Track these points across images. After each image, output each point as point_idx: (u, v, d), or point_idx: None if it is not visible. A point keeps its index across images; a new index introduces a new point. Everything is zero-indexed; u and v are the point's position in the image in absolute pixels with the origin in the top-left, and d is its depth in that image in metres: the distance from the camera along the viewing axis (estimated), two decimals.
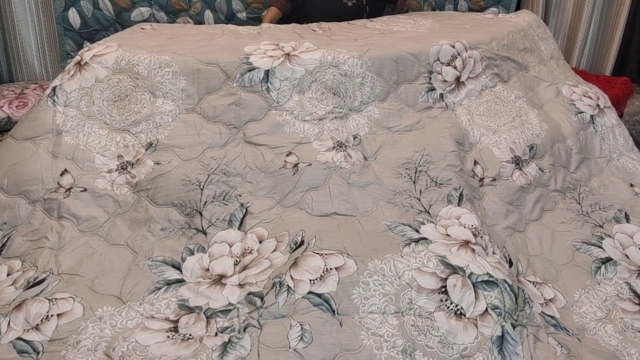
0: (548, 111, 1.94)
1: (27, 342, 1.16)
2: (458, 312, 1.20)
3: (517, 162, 1.73)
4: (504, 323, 1.20)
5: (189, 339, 1.18)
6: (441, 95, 1.88)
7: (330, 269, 1.25)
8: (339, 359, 1.10)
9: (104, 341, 1.17)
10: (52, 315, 1.21)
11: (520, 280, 1.40)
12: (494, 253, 1.43)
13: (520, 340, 1.19)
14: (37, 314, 1.21)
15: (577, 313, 1.39)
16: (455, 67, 1.91)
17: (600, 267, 1.48)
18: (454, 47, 1.92)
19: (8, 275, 1.33)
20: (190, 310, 1.28)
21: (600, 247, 1.52)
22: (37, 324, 1.19)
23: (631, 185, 1.82)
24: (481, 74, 1.95)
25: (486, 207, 1.63)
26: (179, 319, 1.25)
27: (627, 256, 1.50)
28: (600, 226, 1.61)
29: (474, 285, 1.24)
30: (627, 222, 1.61)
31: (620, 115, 2.05)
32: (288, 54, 1.76)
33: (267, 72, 1.70)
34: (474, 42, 1.98)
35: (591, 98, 1.99)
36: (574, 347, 1.22)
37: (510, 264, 1.46)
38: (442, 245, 1.33)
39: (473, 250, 1.34)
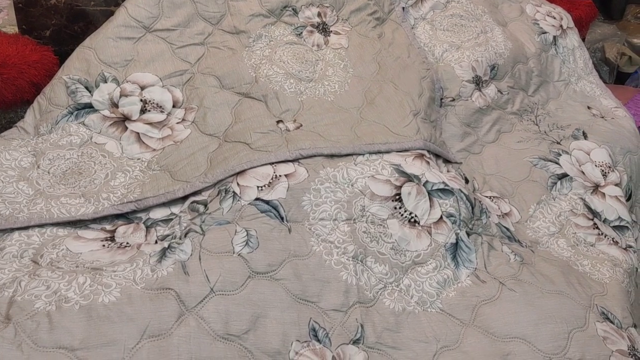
0: (512, 30, 1.88)
1: None
2: (412, 219, 1.15)
3: (478, 83, 1.67)
4: (458, 231, 1.16)
5: (125, 247, 1.10)
6: (403, 9, 1.79)
7: (280, 176, 1.18)
8: (286, 264, 1.04)
9: (32, 248, 1.07)
10: None
11: (476, 195, 1.36)
12: (448, 171, 1.39)
13: (474, 247, 1.16)
14: None
15: (531, 228, 1.37)
16: None
17: (556, 183, 1.46)
18: None
19: None
20: (129, 220, 1.20)
21: (557, 163, 1.49)
22: None
23: (588, 107, 1.80)
24: None
25: (444, 128, 1.57)
26: (116, 228, 1.16)
27: (583, 172, 1.48)
28: (558, 143, 1.58)
29: (429, 194, 1.19)
30: (585, 139, 1.58)
31: (582, 41, 1.99)
32: None
33: None
34: None
35: (554, 18, 1.93)
36: (527, 256, 1.20)
37: (467, 181, 1.42)
38: (397, 156, 1.27)
39: (428, 162, 1.28)
